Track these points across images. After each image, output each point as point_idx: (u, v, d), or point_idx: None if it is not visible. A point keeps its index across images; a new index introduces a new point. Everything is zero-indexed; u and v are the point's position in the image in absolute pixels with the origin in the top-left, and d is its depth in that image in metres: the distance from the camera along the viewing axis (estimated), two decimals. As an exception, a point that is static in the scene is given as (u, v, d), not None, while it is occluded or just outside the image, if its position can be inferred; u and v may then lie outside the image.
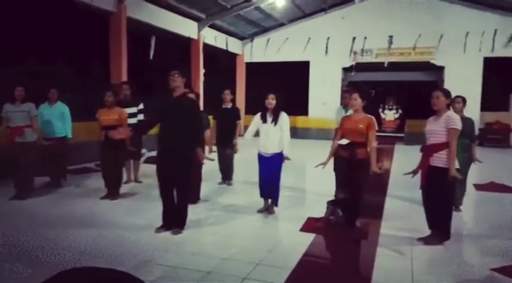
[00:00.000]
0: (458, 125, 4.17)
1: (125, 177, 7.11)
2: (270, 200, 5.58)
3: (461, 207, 5.72)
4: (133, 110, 7.14)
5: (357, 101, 4.76)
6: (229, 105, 7.32)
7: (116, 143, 5.93)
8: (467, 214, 5.90)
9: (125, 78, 10.72)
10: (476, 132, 14.58)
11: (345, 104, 6.41)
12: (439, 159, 4.23)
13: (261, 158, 5.50)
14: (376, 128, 4.78)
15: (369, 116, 4.79)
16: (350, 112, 5.63)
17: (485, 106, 15.20)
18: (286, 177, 6.83)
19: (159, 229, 4.65)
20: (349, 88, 6.81)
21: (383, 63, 15.85)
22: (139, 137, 7.30)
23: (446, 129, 4.19)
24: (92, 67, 12.17)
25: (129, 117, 7.09)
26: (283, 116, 5.37)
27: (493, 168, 9.74)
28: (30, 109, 6.08)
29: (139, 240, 4.37)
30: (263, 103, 5.41)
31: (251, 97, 17.19)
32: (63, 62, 11.27)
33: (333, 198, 5.35)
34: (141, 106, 7.20)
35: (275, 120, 5.33)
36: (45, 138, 6.45)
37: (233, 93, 7.79)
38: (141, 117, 7.29)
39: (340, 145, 4.82)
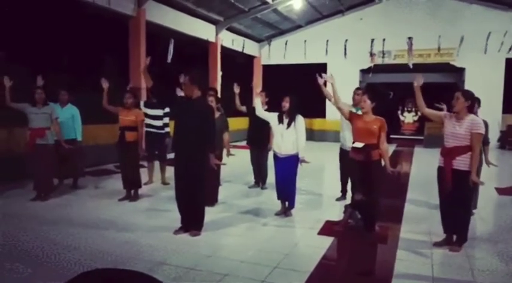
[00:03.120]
0: (483, 129, 4.17)
1: (145, 179, 7.18)
2: (286, 203, 5.57)
3: (474, 211, 5.59)
4: (159, 112, 7.18)
5: (367, 102, 4.74)
6: (265, 107, 6.99)
7: (128, 144, 6.02)
8: (488, 219, 5.78)
9: (143, 81, 10.84)
10: (498, 134, 14.47)
11: (355, 103, 6.20)
12: (461, 162, 4.17)
13: (276, 158, 5.52)
14: (386, 130, 4.77)
15: (379, 117, 4.78)
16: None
17: (507, 108, 14.89)
18: (303, 180, 6.82)
19: (177, 231, 4.68)
20: (360, 87, 6.64)
21: (401, 65, 15.66)
22: (163, 140, 7.36)
23: (470, 133, 4.13)
24: (111, 71, 12.37)
25: (154, 119, 7.16)
26: (299, 119, 5.38)
27: (515, 172, 9.54)
28: (52, 111, 6.18)
29: (157, 242, 4.41)
30: (279, 105, 5.42)
31: (268, 99, 17.15)
32: (83, 65, 11.47)
33: (350, 201, 5.30)
34: (167, 109, 7.17)
35: (290, 122, 5.34)
36: (57, 140, 6.40)
37: (249, 95, 7.69)
38: (166, 120, 7.33)
39: (355, 149, 4.80)
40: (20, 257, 3.87)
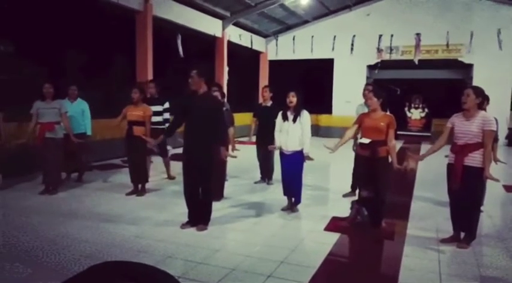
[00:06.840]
0: (495, 126, 4.16)
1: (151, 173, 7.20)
2: (293, 198, 5.58)
3: (482, 208, 5.55)
4: (159, 108, 7.18)
5: (373, 100, 4.74)
6: (269, 103, 7.13)
7: (136, 139, 6.05)
8: (495, 216, 5.74)
9: (150, 76, 10.88)
10: (506, 131, 14.35)
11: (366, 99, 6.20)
12: (473, 159, 4.14)
13: (282, 155, 5.51)
14: (395, 127, 4.74)
15: (388, 114, 4.77)
16: None
17: (515, 105, 14.76)
18: (309, 176, 6.81)
19: (184, 225, 4.71)
20: (370, 83, 6.60)
21: (409, 60, 15.56)
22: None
23: (482, 131, 4.10)
24: (118, 65, 12.40)
25: (154, 115, 7.17)
26: (304, 114, 5.36)
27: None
28: (61, 106, 6.24)
29: (164, 236, 4.43)
30: (285, 101, 5.41)
31: (274, 95, 17.10)
32: (90, 60, 11.50)
33: (357, 197, 5.30)
34: (166, 105, 7.17)
35: (296, 118, 5.33)
36: (66, 134, 6.45)
37: (255, 90, 7.72)
38: (166, 115, 7.34)
39: (361, 144, 4.79)
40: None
